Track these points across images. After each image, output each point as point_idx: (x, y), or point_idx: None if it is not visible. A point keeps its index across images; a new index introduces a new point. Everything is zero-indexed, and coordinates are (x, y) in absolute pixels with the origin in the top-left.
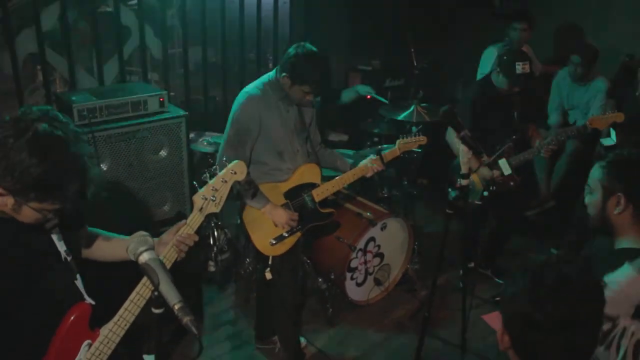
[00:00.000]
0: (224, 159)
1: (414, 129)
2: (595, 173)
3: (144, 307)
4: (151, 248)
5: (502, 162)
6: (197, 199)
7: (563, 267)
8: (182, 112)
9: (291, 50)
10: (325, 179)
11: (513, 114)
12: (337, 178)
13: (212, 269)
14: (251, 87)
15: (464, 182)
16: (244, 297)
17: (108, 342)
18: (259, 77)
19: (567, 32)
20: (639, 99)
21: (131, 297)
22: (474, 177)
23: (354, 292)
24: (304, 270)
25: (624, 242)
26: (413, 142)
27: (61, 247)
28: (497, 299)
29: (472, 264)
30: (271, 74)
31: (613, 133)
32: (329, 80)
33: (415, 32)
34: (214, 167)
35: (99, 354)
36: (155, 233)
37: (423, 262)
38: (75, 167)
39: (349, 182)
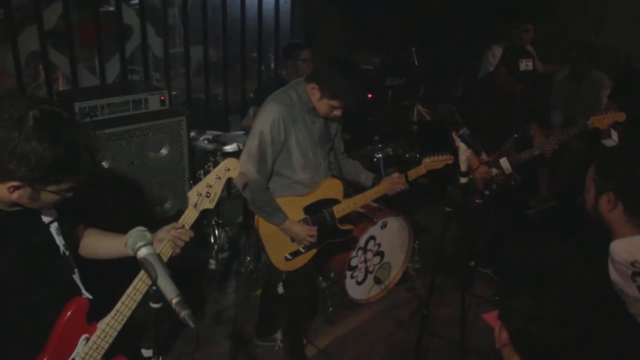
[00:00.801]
0: (245, 169)
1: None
2: (590, 171)
3: (140, 301)
4: (149, 243)
5: (503, 161)
6: (192, 195)
7: (562, 260)
8: (183, 111)
9: (324, 60)
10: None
11: (514, 112)
12: (359, 195)
13: (212, 267)
14: (276, 98)
15: (463, 180)
16: (244, 295)
17: (105, 337)
18: (259, 75)
19: (566, 31)
20: None
21: (128, 291)
22: (475, 176)
23: (354, 290)
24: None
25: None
26: (440, 161)
27: (60, 241)
28: (497, 297)
29: (473, 263)
30: (298, 82)
31: (615, 134)
32: (361, 96)
33: (416, 31)
34: (208, 164)
35: (97, 348)
36: (156, 230)
37: (423, 261)
38: (83, 139)
39: (372, 198)
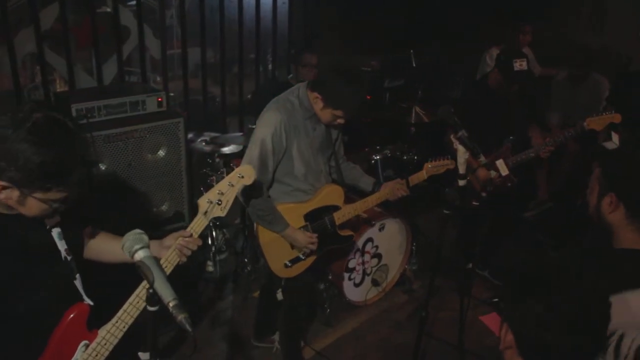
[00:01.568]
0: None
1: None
2: (595, 171)
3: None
4: (146, 246)
5: (500, 163)
6: (202, 202)
7: (570, 266)
8: (180, 112)
9: (328, 69)
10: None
11: (511, 114)
12: (360, 202)
13: (210, 268)
14: (277, 104)
15: (461, 182)
16: (242, 297)
17: (105, 344)
18: (257, 77)
19: (565, 33)
20: None
21: (131, 299)
22: (471, 178)
23: (352, 292)
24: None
25: (623, 243)
26: (441, 167)
27: (62, 245)
28: (495, 300)
29: (470, 265)
30: (299, 88)
31: (616, 137)
32: (364, 105)
33: (415, 32)
34: (220, 171)
35: (96, 355)
36: (154, 232)
37: (421, 263)
38: (77, 153)
39: (374, 204)
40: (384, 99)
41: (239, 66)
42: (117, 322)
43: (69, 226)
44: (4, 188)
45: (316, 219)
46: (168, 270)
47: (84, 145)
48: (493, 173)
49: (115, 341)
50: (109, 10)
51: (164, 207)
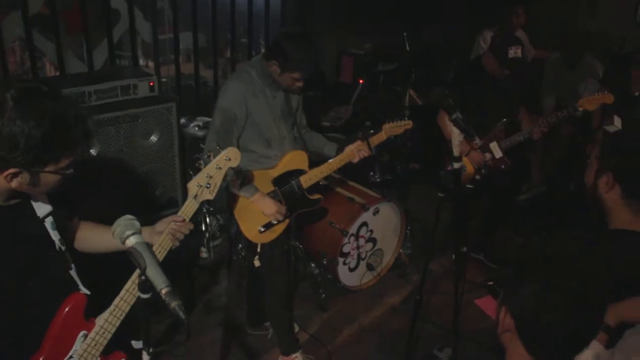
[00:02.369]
0: (211, 147)
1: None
2: (595, 149)
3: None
4: (138, 232)
5: (493, 145)
6: (192, 186)
7: (570, 249)
8: (172, 97)
9: (279, 36)
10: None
11: (504, 97)
12: (324, 165)
13: (204, 255)
14: (235, 76)
15: (456, 165)
16: (236, 284)
17: (104, 333)
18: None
19: (558, 16)
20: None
21: (127, 286)
22: (465, 161)
23: (347, 277)
24: (296, 255)
25: (618, 223)
26: (399, 127)
27: (55, 235)
28: (490, 283)
29: (465, 249)
30: (256, 60)
31: (618, 120)
32: (317, 64)
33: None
34: (207, 154)
35: (95, 345)
36: (147, 219)
37: (416, 247)
38: (70, 111)
39: (336, 167)
40: (378, 82)
41: (230, 50)
42: (114, 310)
43: (60, 216)
44: (15, 175)
45: (284, 184)
46: (162, 255)
47: (69, 100)
48: (488, 156)
49: (114, 329)
50: None
51: (157, 193)
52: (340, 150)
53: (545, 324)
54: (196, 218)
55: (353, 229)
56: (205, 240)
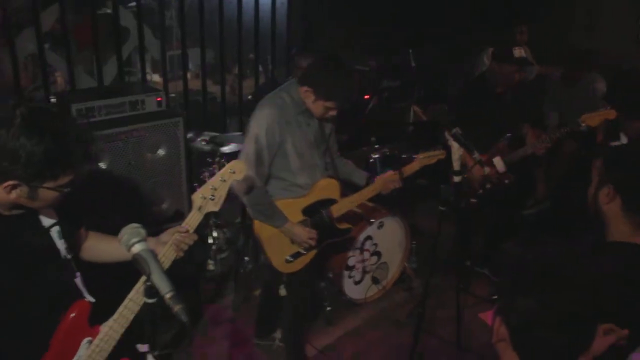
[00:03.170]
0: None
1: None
2: (597, 162)
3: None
4: (143, 239)
5: (496, 160)
6: (196, 197)
7: (566, 262)
8: (180, 112)
9: (315, 63)
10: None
11: (507, 112)
12: (355, 194)
13: (211, 267)
14: (269, 102)
15: (456, 178)
16: (242, 296)
17: (108, 339)
18: (257, 77)
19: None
20: None
21: (131, 294)
22: (469, 176)
23: (352, 290)
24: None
25: (617, 235)
26: (433, 157)
27: (61, 244)
28: (494, 297)
29: (469, 263)
30: (290, 85)
31: (624, 137)
32: (354, 95)
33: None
34: (213, 166)
35: (99, 351)
36: (153, 232)
37: (421, 261)
38: (73, 132)
39: (368, 197)
40: (382, 99)
41: (238, 66)
42: (118, 317)
43: (67, 225)
44: (14, 187)
45: (314, 213)
46: (166, 265)
47: (74, 123)
48: (487, 169)
49: (117, 336)
50: (109, 11)
51: (164, 206)
52: (370, 179)
53: (539, 335)
54: (203, 231)
55: (358, 243)
56: (212, 253)
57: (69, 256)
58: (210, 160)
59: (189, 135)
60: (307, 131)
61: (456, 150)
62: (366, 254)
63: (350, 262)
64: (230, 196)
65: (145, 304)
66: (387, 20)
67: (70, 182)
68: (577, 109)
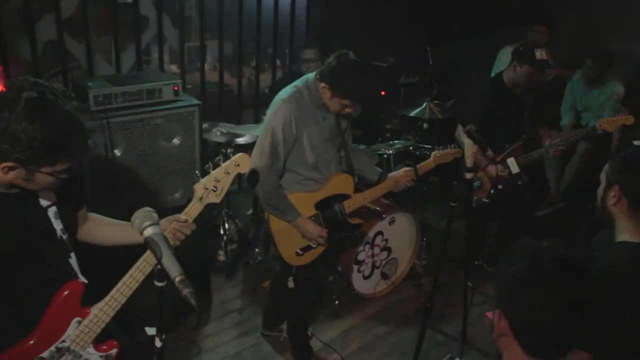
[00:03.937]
0: (256, 164)
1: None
2: (607, 164)
3: (136, 290)
4: (156, 223)
5: (510, 161)
6: (198, 188)
7: (565, 254)
8: (195, 101)
9: (334, 60)
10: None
11: (524, 113)
12: (369, 190)
13: (221, 258)
14: (287, 95)
15: (468, 175)
16: (252, 286)
17: (98, 321)
18: (274, 70)
19: (583, 35)
20: None
21: (124, 278)
22: (483, 175)
23: (361, 285)
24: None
25: (623, 235)
26: (449, 155)
27: (57, 225)
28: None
29: (480, 262)
30: (308, 79)
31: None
32: (371, 94)
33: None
34: (218, 157)
35: (88, 332)
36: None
37: (431, 258)
38: (74, 122)
39: (381, 194)
40: (399, 95)
41: (256, 59)
42: (110, 300)
43: (64, 206)
44: (11, 169)
45: (327, 207)
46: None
47: (75, 115)
48: (499, 167)
49: (108, 319)
50: (129, 1)
51: (177, 195)
52: (382, 175)
53: (540, 321)
54: (215, 222)
55: (368, 238)
56: (223, 244)
57: (64, 236)
58: (224, 152)
59: (204, 125)
60: (323, 126)
61: (469, 147)
62: (376, 249)
63: (360, 256)
64: (243, 188)
65: (152, 288)
66: (406, 16)
67: (67, 169)
68: (594, 111)
